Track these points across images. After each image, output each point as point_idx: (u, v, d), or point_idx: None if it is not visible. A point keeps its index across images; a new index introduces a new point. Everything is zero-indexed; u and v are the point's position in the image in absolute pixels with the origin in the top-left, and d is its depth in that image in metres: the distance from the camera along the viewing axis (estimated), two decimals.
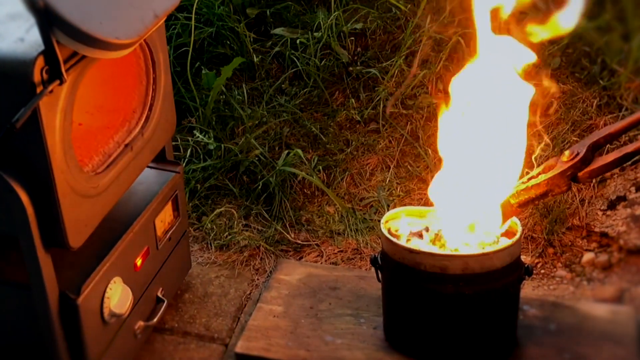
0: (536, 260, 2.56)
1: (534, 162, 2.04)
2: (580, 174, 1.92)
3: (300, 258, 2.65)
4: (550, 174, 1.95)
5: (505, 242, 2.01)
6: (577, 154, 1.92)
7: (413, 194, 2.84)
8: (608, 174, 2.70)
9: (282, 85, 3.24)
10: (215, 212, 2.79)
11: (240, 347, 2.21)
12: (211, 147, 2.96)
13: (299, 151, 2.93)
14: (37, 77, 1.54)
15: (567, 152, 1.94)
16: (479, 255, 1.96)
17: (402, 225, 2.13)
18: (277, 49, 3.30)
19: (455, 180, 2.06)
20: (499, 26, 1.99)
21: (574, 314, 2.26)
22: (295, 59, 3.24)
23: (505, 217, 2.04)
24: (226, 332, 2.32)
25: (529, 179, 1.99)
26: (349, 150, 3.01)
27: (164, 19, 1.87)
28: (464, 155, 2.04)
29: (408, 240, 2.07)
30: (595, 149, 1.93)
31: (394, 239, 2.03)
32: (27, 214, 1.67)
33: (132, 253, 2.06)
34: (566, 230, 2.62)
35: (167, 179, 2.22)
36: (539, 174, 1.97)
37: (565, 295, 2.42)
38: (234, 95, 3.16)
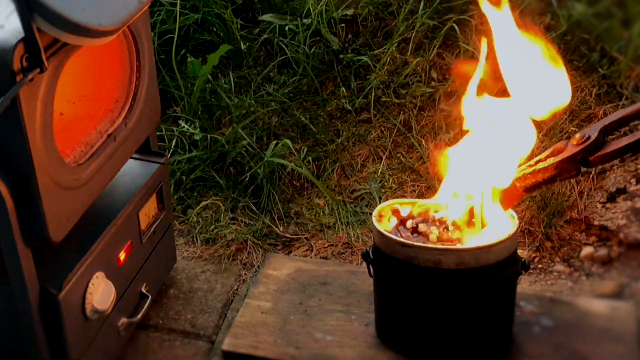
0: (533, 255, 2.55)
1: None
2: (591, 158, 1.88)
3: (289, 252, 2.63)
4: (559, 158, 1.91)
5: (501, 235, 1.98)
6: (588, 137, 1.88)
7: (406, 186, 2.82)
8: (607, 165, 2.70)
9: (271, 74, 3.23)
10: (201, 205, 2.77)
11: (227, 344, 2.20)
12: (197, 137, 2.94)
13: (288, 142, 2.91)
14: (16, 65, 1.52)
15: (577, 135, 1.90)
16: (474, 249, 1.95)
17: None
18: (265, 35, 3.29)
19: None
20: None
21: (572, 310, 2.26)
22: (284, 46, 3.23)
23: (511, 201, 2.01)
24: (212, 329, 2.31)
25: (537, 162, 1.95)
26: (339, 140, 3.00)
27: (148, 5, 1.85)
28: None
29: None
30: (607, 133, 1.89)
31: (386, 232, 2.01)
32: (6, 207, 1.65)
33: (115, 247, 2.05)
34: (564, 224, 2.61)
35: (151, 170, 2.21)
36: (547, 157, 1.93)
37: (564, 291, 2.41)
38: (221, 84, 3.15)
